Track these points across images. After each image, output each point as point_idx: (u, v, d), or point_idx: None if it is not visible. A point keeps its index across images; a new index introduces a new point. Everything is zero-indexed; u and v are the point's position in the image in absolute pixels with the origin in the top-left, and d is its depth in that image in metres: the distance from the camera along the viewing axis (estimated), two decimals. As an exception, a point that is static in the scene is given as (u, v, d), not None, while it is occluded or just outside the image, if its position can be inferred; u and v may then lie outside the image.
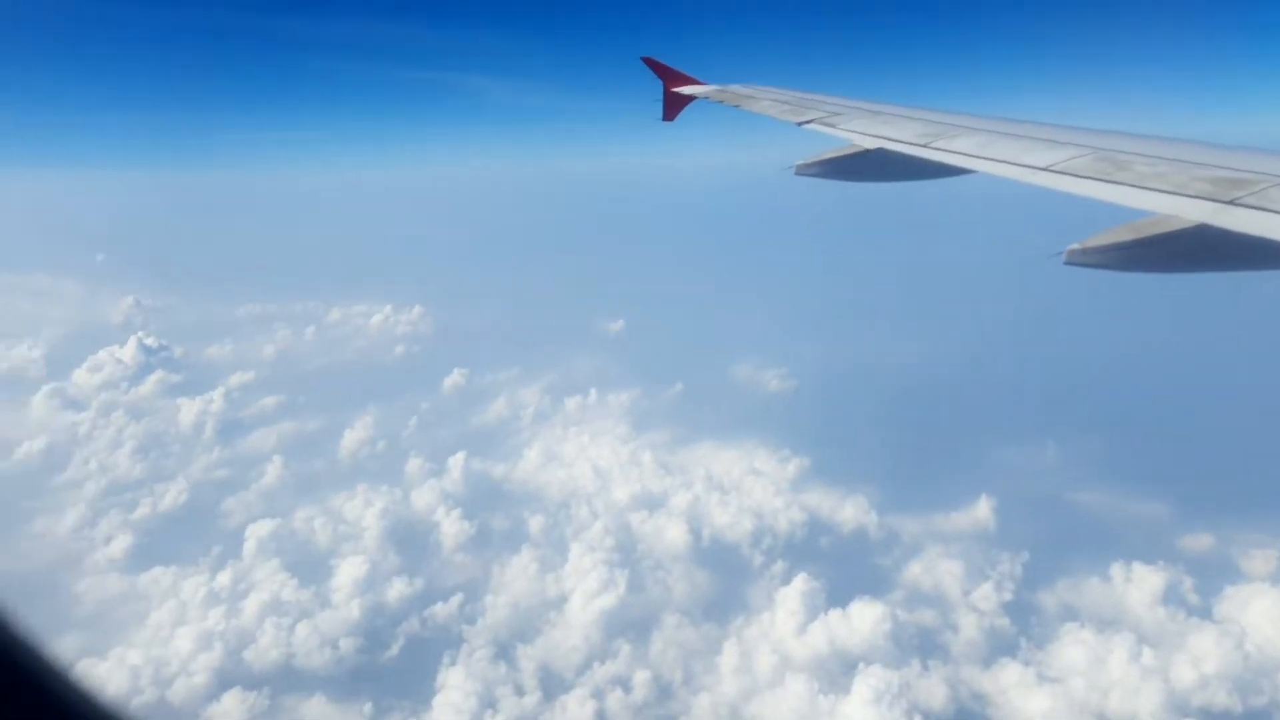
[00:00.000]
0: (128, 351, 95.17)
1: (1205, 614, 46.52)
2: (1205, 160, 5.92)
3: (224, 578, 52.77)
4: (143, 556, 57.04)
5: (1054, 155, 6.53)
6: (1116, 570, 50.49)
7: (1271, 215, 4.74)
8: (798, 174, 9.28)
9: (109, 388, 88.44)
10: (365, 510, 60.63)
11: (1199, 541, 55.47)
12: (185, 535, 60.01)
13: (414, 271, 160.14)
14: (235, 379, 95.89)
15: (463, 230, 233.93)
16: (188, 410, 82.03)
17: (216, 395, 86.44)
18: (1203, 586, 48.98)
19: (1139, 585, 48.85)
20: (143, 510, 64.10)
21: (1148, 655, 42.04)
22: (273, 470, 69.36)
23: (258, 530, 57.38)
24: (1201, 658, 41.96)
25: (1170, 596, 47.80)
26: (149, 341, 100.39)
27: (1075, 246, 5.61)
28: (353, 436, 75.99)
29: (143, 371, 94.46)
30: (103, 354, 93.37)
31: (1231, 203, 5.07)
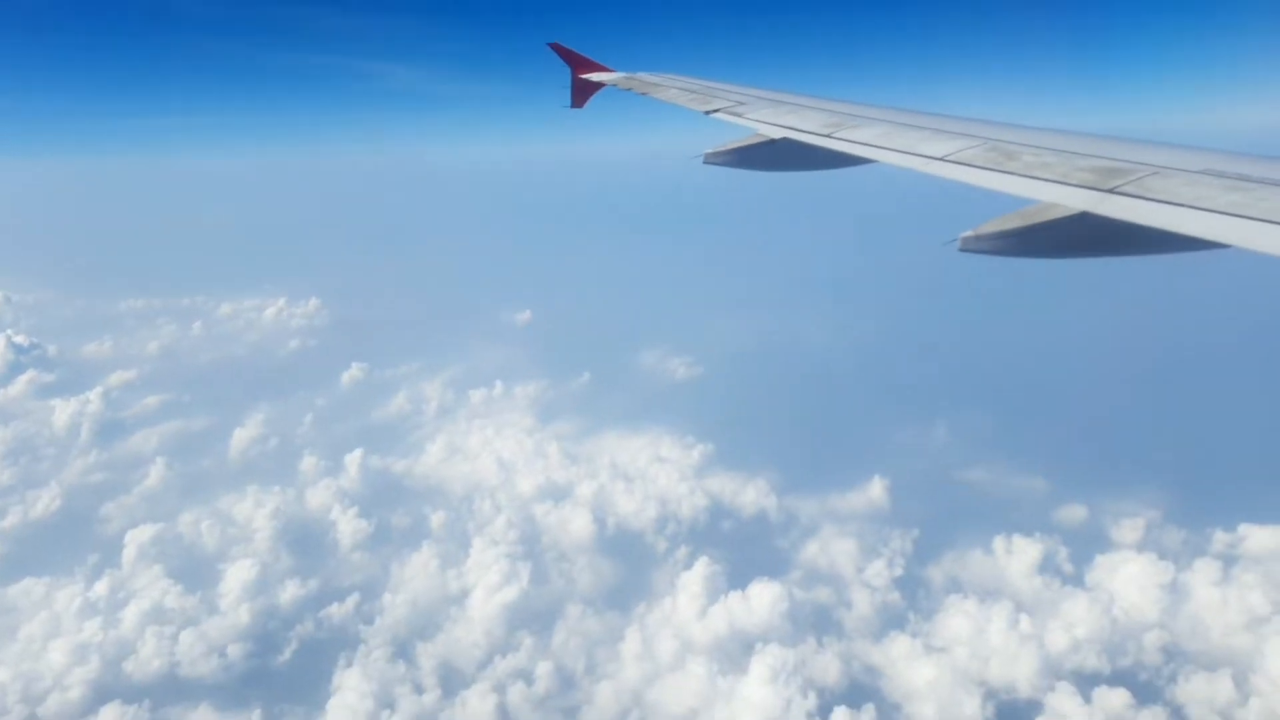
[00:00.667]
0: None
1: (1078, 582, 49.37)
2: (1088, 151, 6.12)
3: (101, 587, 49.95)
4: (12, 567, 53.46)
5: (949, 146, 6.72)
6: (998, 543, 52.98)
7: (1147, 203, 4.89)
8: (706, 163, 9.26)
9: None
10: (256, 511, 58.37)
11: (1074, 513, 58.78)
12: (59, 543, 56.60)
13: (312, 262, 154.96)
14: (115, 378, 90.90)
15: (365, 220, 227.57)
16: (62, 411, 77.20)
17: (94, 395, 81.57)
18: (1076, 556, 51.95)
19: (1018, 556, 51.46)
20: (12, 519, 60.13)
21: (1025, 623, 44.35)
22: (155, 473, 66.03)
23: (138, 536, 54.52)
24: (1074, 623, 44.55)
25: (1046, 566, 50.55)
26: (19, 339, 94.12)
27: (968, 234, 5.72)
28: (243, 435, 72.99)
29: (12, 371, 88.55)
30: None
31: (1111, 191, 5.22)
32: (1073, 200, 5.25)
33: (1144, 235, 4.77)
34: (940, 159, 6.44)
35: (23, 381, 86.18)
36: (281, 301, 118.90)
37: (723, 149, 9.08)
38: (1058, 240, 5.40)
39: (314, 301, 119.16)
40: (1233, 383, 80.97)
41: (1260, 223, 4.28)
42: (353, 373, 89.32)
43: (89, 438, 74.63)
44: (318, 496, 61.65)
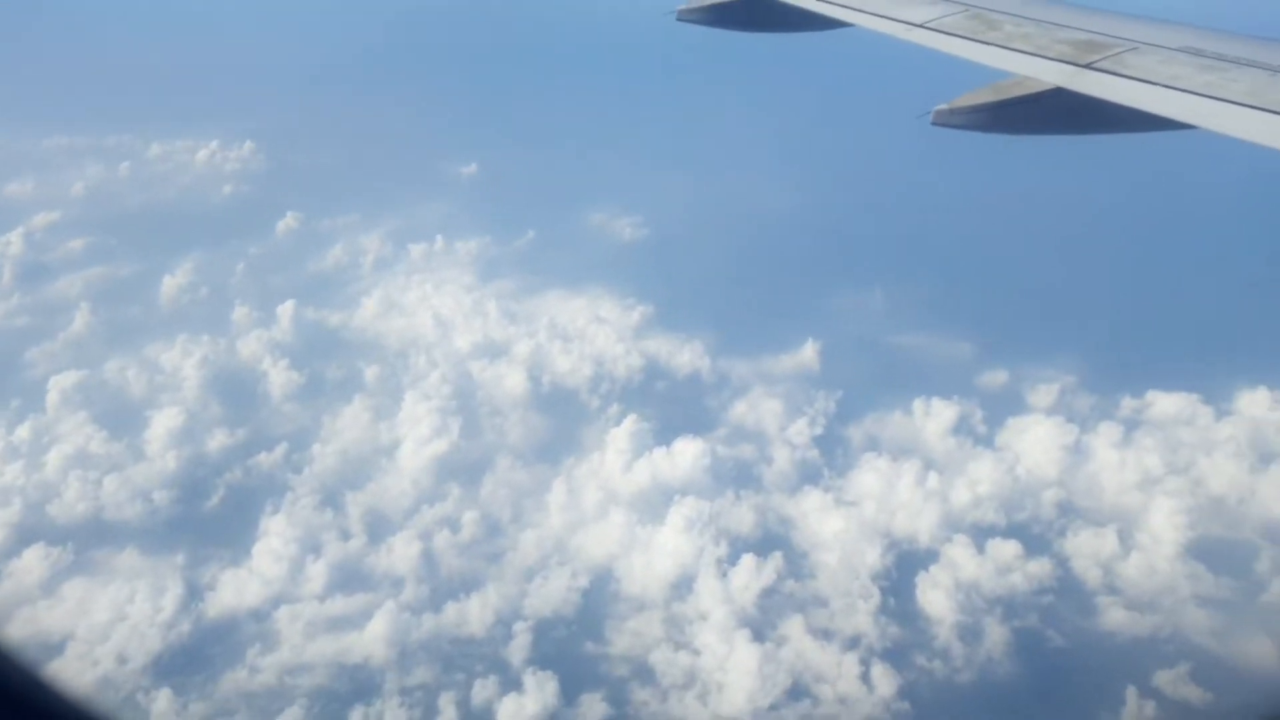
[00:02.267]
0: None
1: (989, 443, 51.53)
2: (1070, 22, 6.00)
3: (24, 431, 49.58)
4: (-71, 412, 52.66)
5: (930, 11, 6.51)
6: (917, 405, 54.71)
7: (1122, 80, 4.75)
8: (679, 20, 8.87)
9: (-121, 228, 78.37)
10: (184, 360, 57.65)
11: (995, 378, 60.65)
12: (-20, 389, 55.64)
13: (251, 103, 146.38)
14: (39, 219, 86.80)
15: (306, 57, 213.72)
16: (-21, 254, 74.08)
17: (15, 237, 78.28)
18: (991, 418, 54.00)
19: (935, 418, 53.34)
20: (-73, 363, 58.70)
21: (933, 480, 46.49)
22: (80, 318, 64.38)
23: (62, 382, 53.72)
24: (977, 481, 46.83)
25: (961, 428, 52.55)
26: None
27: (942, 107, 5.61)
28: (172, 283, 71.02)
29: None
30: None
31: (1088, 66, 5.12)
32: (1049, 74, 5.17)
33: (1116, 113, 4.69)
34: (920, 25, 6.28)
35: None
36: (215, 144, 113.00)
37: (697, 5, 8.76)
38: (1031, 116, 5.36)
39: (249, 144, 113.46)
40: (1180, 261, 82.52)
41: (1229, 104, 4.17)
42: (288, 222, 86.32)
43: (10, 281, 72.19)
44: (249, 347, 60.89)
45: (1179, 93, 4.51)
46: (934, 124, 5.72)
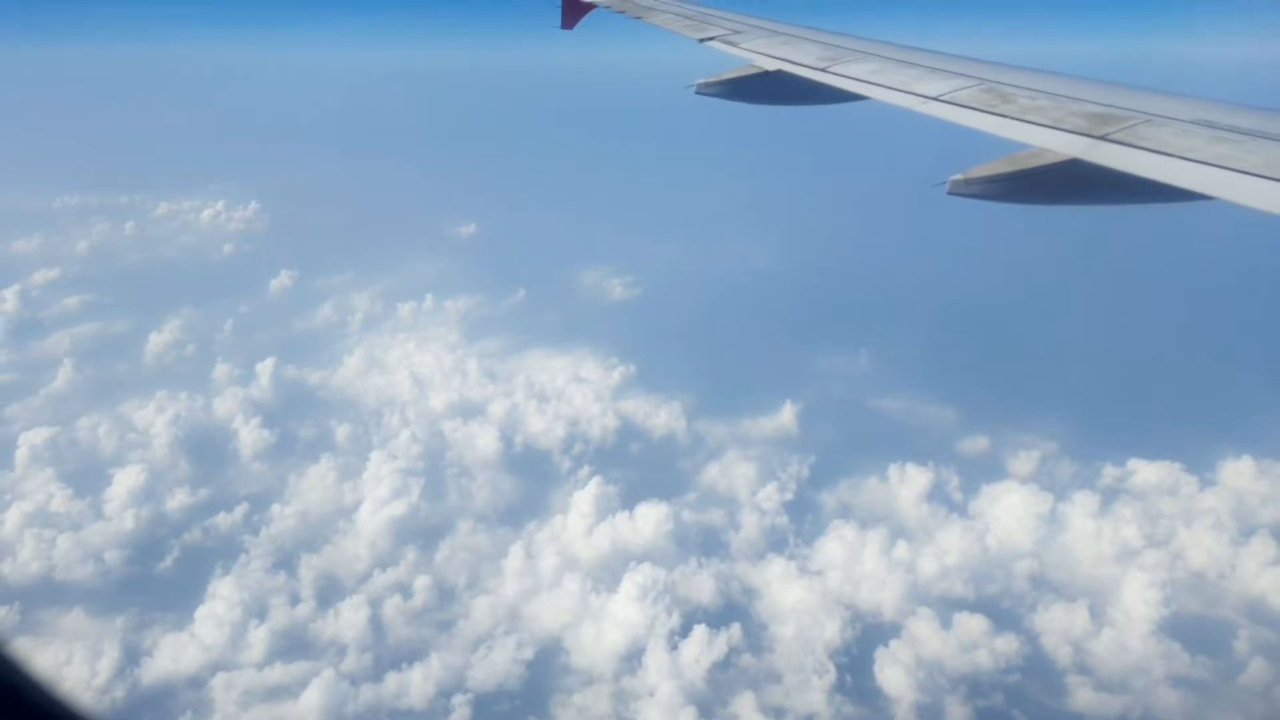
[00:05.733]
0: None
1: (963, 511, 50.20)
2: (1082, 95, 6.10)
3: (-12, 489, 49.53)
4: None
5: (944, 85, 6.74)
6: (893, 471, 53.56)
7: (1138, 151, 4.87)
8: (698, 93, 9.21)
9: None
10: (157, 417, 57.72)
11: (977, 444, 59.46)
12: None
13: (260, 165, 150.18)
14: (38, 276, 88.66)
15: (321, 121, 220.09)
16: (-26, 310, 75.41)
17: (10, 293, 79.77)
18: (968, 485, 52.70)
19: (910, 484, 52.11)
20: (-93, 419, 59.14)
21: (901, 549, 45.16)
22: (63, 375, 64.93)
23: (33, 438, 53.84)
24: (947, 551, 45.44)
25: (936, 494, 51.27)
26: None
27: (958, 177, 5.68)
28: (159, 340, 71.80)
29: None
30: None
31: (1103, 138, 5.21)
32: (1064, 146, 5.28)
33: (1132, 184, 4.77)
34: (935, 99, 6.46)
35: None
36: (220, 204, 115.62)
37: (715, 79, 9.07)
38: (1047, 186, 5.45)
39: (254, 205, 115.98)
40: (1168, 329, 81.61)
41: (1244, 174, 4.27)
42: (282, 280, 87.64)
43: (1, 337, 73.13)
44: (225, 405, 61.03)
45: (1194, 164, 4.59)
46: (949, 193, 5.77)
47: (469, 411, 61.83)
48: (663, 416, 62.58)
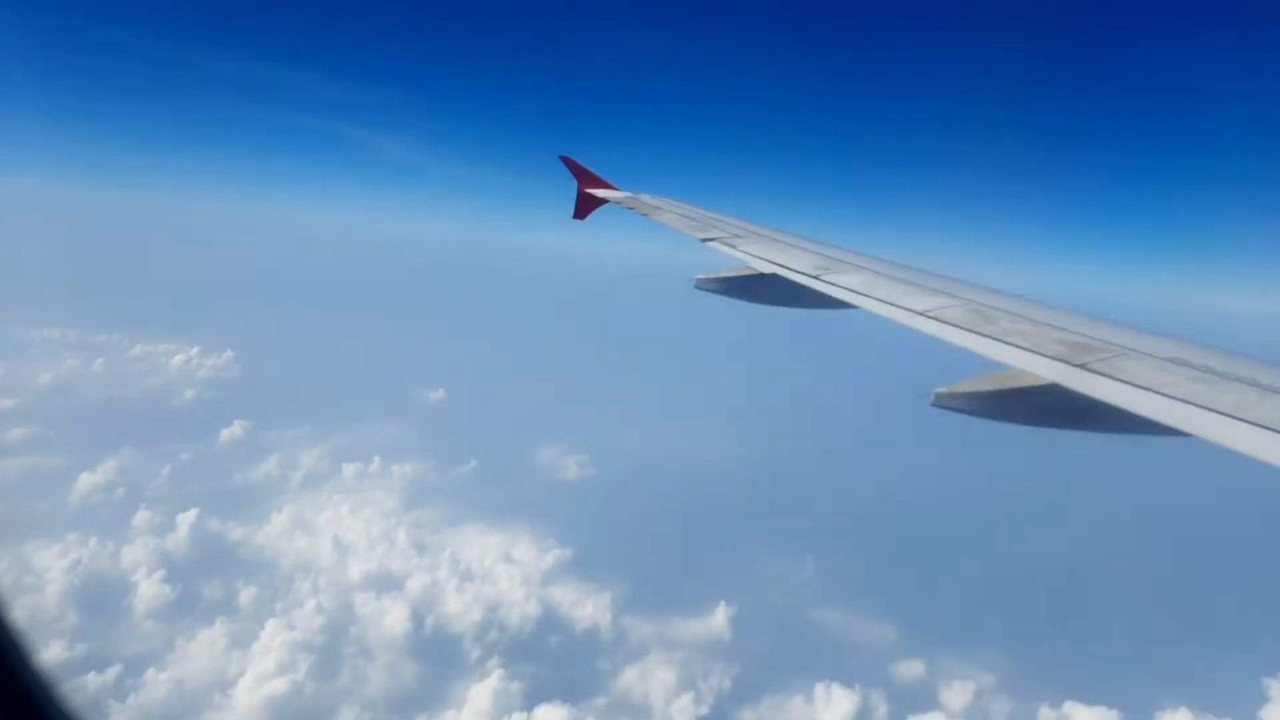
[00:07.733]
0: None
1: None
2: (1062, 324, 6.40)
3: None
4: None
5: (930, 302, 7.10)
6: (819, 690, 50.61)
7: (1115, 383, 5.08)
8: (697, 288, 9.77)
9: None
10: (58, 561, 55.11)
11: (912, 669, 56.59)
12: None
13: (250, 316, 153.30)
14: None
15: (318, 280, 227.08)
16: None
17: (-46, 421, 78.67)
18: (895, 714, 49.62)
19: (834, 707, 49.05)
20: None
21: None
22: (-23, 509, 62.73)
23: (-85, 575, 51.03)
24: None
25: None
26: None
27: (942, 390, 5.92)
28: (89, 480, 69.93)
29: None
30: None
31: (1082, 366, 5.41)
32: (1045, 371, 5.47)
33: (1109, 413, 4.94)
34: (921, 313, 6.79)
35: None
36: (195, 350, 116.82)
37: (714, 276, 9.66)
38: (1028, 408, 5.65)
39: (229, 354, 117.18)
40: (1132, 566, 79.95)
41: (1219, 415, 4.43)
42: (234, 430, 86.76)
43: (-71, 464, 71.41)
44: (133, 554, 58.50)
45: (1171, 400, 4.76)
46: (933, 405, 6.03)
47: (386, 584, 59.22)
48: (589, 608, 59.94)
